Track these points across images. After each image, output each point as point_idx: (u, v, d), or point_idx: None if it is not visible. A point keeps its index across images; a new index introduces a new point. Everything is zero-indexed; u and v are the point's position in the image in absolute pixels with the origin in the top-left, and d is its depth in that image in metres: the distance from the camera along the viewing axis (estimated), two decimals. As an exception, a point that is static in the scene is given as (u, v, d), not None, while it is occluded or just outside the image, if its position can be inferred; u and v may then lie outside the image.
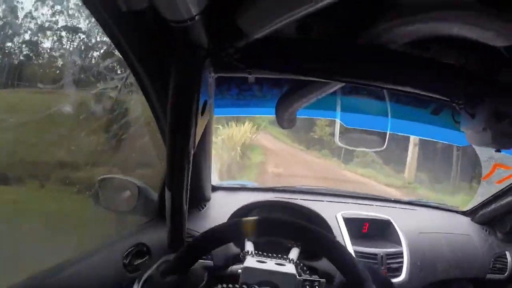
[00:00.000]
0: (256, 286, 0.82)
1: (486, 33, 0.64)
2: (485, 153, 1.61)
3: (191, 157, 0.82)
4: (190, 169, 0.84)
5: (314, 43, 0.78)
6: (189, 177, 0.85)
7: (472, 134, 0.90)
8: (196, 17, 0.59)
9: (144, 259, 1.15)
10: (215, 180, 1.60)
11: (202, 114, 0.80)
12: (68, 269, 0.94)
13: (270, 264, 0.95)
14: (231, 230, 0.74)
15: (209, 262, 1.27)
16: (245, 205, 1.40)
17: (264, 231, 0.71)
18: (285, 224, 0.71)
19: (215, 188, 1.57)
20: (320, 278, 0.91)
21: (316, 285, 0.89)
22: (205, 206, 1.44)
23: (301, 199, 1.55)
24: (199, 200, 1.43)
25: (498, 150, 0.90)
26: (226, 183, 1.71)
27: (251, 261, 0.96)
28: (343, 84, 0.97)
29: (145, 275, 0.72)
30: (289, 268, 0.93)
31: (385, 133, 1.33)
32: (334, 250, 0.69)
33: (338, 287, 1.23)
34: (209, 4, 0.60)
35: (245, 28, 0.66)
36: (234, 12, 0.65)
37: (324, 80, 0.91)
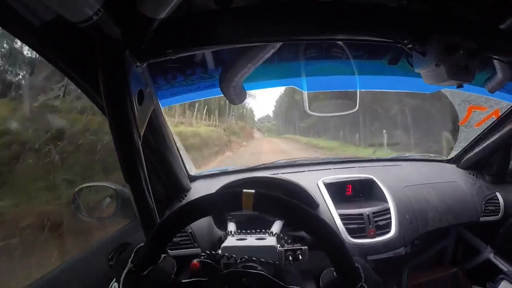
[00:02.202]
0: (245, 257, 0.82)
1: None
2: (457, 97, 1.59)
3: (140, 147, 0.81)
4: (143, 160, 0.83)
5: (236, 10, 0.75)
6: (144, 168, 0.84)
7: (427, 73, 0.87)
8: (99, 11, 0.60)
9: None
10: (193, 170, 1.59)
11: (139, 104, 0.79)
12: (55, 278, 0.95)
13: (250, 240, 0.94)
14: (229, 200, 0.68)
15: (197, 250, 1.27)
16: (224, 185, 1.39)
17: (261, 205, 0.66)
18: (283, 202, 0.68)
19: (194, 178, 1.55)
20: (307, 246, 0.91)
21: (299, 253, 0.89)
22: (186, 196, 1.43)
23: (282, 173, 1.55)
24: (177, 192, 1.42)
25: (460, 86, 0.87)
26: (205, 171, 1.69)
27: (230, 241, 0.96)
28: (277, 47, 0.94)
29: (123, 274, 0.69)
30: (270, 241, 0.92)
31: (355, 93, 1.31)
32: (330, 242, 0.65)
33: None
34: None
35: (147, 12, 0.64)
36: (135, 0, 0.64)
37: (252, 44, 0.88)
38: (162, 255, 0.71)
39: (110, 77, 0.73)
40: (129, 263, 0.68)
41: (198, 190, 1.48)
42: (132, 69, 0.75)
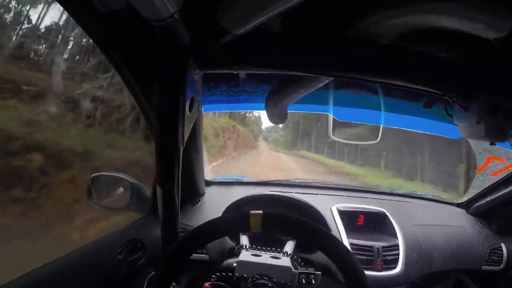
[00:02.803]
0: (257, 276, 0.83)
1: (475, 25, 0.63)
2: (479, 146, 1.61)
3: (181, 154, 0.82)
4: (180, 166, 0.84)
5: (299, 36, 0.77)
6: (180, 174, 0.85)
7: (466, 128, 0.89)
8: (175, 15, 0.59)
9: (138, 254, 1.16)
10: (208, 175, 1.60)
11: (189, 111, 0.80)
12: (63, 267, 0.95)
13: (265, 258, 0.95)
14: (238, 223, 0.72)
15: (205, 257, 1.27)
16: (240, 199, 1.40)
17: (270, 225, 0.70)
18: (291, 221, 0.70)
19: (209, 183, 1.57)
20: (316, 270, 0.91)
21: (312, 277, 0.89)
22: (199, 201, 1.44)
23: (296, 193, 1.55)
24: (192, 195, 1.43)
25: (492, 143, 0.89)
26: (220, 177, 1.70)
27: (246, 255, 0.97)
28: (332, 78, 0.96)
29: None
30: (284, 261, 0.93)
31: (378, 126, 1.33)
32: (343, 257, 0.69)
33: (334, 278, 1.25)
34: (188, 2, 0.60)
35: (227, 25, 0.65)
36: (214, 9, 0.64)
37: (311, 75, 0.90)
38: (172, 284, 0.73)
39: (168, 81, 0.73)
40: None
41: (212, 196, 1.49)
42: (190, 75, 0.76)
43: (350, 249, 1.31)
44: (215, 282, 0.80)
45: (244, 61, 0.79)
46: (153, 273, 0.73)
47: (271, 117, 1.13)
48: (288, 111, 1.12)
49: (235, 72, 0.81)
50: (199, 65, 0.78)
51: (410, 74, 0.82)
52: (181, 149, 0.81)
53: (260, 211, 0.68)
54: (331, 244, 0.69)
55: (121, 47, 0.79)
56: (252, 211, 0.69)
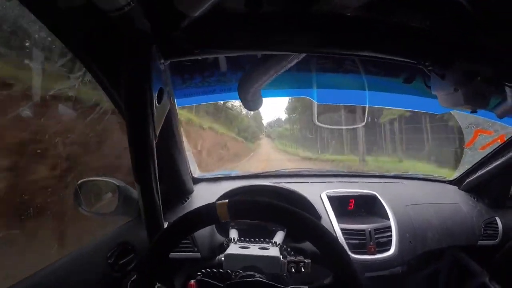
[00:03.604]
0: (240, 271, 0.82)
1: None
2: (465, 120, 1.61)
3: (154, 148, 0.80)
4: (155, 161, 0.82)
5: (264, 15, 0.75)
6: (156, 169, 0.83)
7: (444, 96, 0.88)
8: (132, 2, 0.59)
9: (128, 257, 1.14)
10: (196, 172, 1.58)
11: (159, 102, 0.78)
12: (53, 272, 0.92)
13: (253, 249, 0.94)
14: (204, 215, 0.69)
15: (196, 254, 1.26)
16: (227, 192, 1.38)
17: (237, 213, 0.68)
18: (258, 204, 0.69)
19: (197, 180, 1.55)
20: (306, 259, 0.90)
21: (301, 265, 0.88)
22: (188, 199, 1.42)
23: (285, 182, 1.54)
24: (180, 194, 1.41)
25: (474, 111, 0.88)
26: (208, 174, 1.69)
27: (233, 248, 0.96)
28: (301, 57, 0.94)
29: None
30: (273, 251, 0.92)
31: (364, 108, 1.32)
32: (311, 228, 0.67)
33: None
34: None
35: (182, 8, 0.64)
36: None
37: (279, 53, 0.89)
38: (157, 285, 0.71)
39: (133, 72, 0.72)
40: None
41: (201, 193, 1.47)
42: (156, 65, 0.75)
43: (342, 235, 1.30)
44: (201, 279, 0.78)
45: (206, 44, 0.77)
46: (134, 277, 0.71)
47: (245, 104, 1.11)
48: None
49: (199, 58, 0.79)
50: (164, 54, 0.76)
51: (384, 45, 0.81)
52: (154, 142, 0.79)
53: (226, 200, 0.67)
54: (304, 223, 0.68)
55: (86, 41, 0.77)
56: (218, 202, 0.68)
